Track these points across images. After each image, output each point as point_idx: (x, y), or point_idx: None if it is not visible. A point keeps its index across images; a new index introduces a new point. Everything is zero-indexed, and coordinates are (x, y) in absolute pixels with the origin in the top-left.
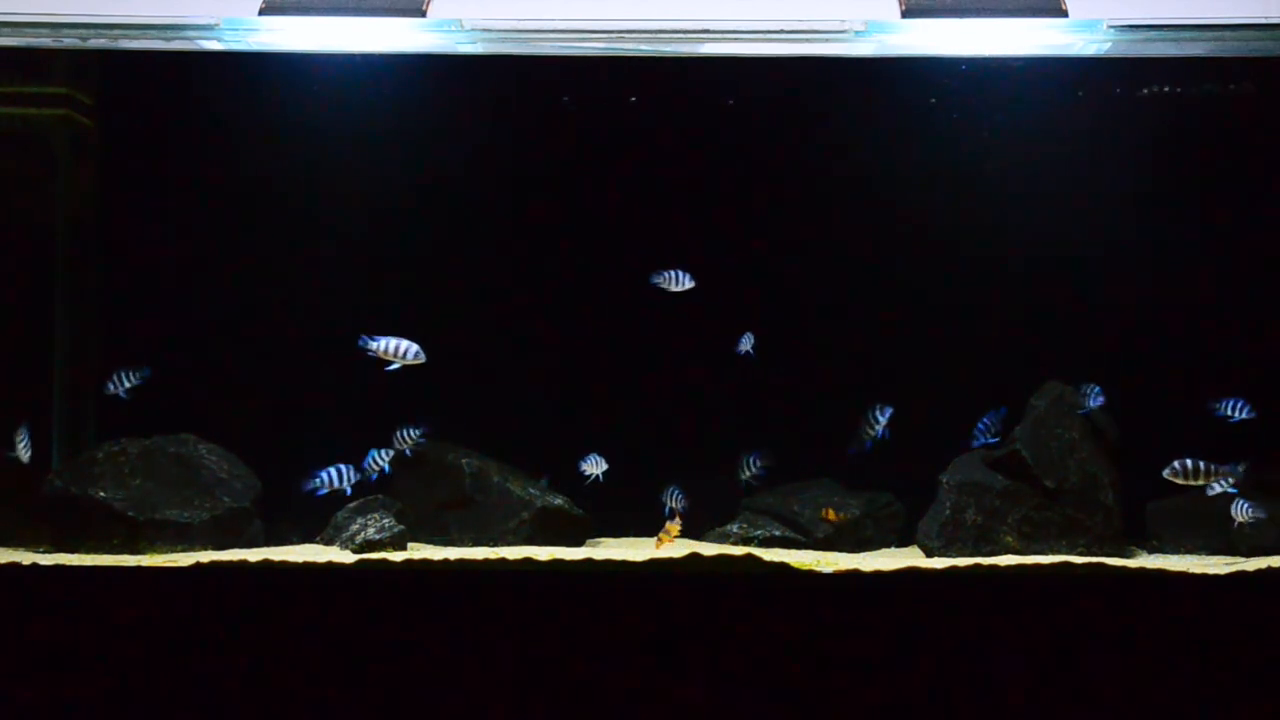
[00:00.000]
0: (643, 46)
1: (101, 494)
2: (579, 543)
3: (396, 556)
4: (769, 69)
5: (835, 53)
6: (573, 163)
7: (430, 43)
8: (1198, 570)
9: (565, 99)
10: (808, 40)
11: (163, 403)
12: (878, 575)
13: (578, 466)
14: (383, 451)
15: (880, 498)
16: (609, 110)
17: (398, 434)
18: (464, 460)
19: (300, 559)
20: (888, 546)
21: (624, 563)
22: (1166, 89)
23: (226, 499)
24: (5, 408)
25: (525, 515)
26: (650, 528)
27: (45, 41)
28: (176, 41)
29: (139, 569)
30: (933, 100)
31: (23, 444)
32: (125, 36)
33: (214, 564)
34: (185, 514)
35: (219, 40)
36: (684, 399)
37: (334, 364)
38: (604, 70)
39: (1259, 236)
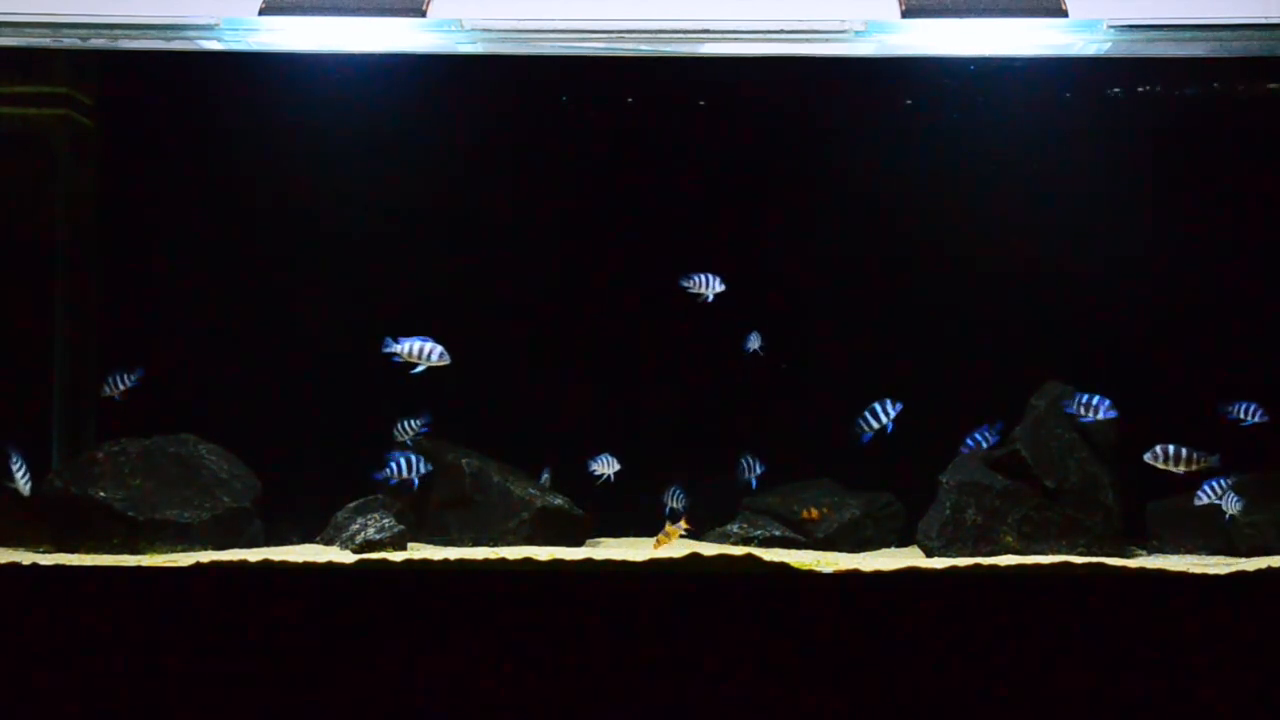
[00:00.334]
0: (643, 46)
1: (101, 494)
2: (579, 543)
3: (396, 556)
4: (769, 69)
5: (835, 53)
6: (572, 162)
7: (430, 43)
8: (1198, 570)
9: (564, 98)
10: (808, 40)
11: (163, 403)
12: (878, 575)
13: (588, 466)
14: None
15: (880, 498)
16: (608, 110)
17: (399, 426)
18: (464, 460)
19: (300, 559)
20: (888, 546)
21: (624, 563)
22: (1167, 89)
23: (226, 499)
24: (5, 408)
25: (525, 515)
26: (650, 528)
27: (45, 41)
28: (176, 41)
29: (139, 569)
30: (933, 101)
31: (21, 474)
32: (125, 36)
33: (214, 564)
34: (185, 514)
35: (219, 40)
36: (685, 399)
37: (334, 364)
38: (604, 70)
39: (1260, 237)
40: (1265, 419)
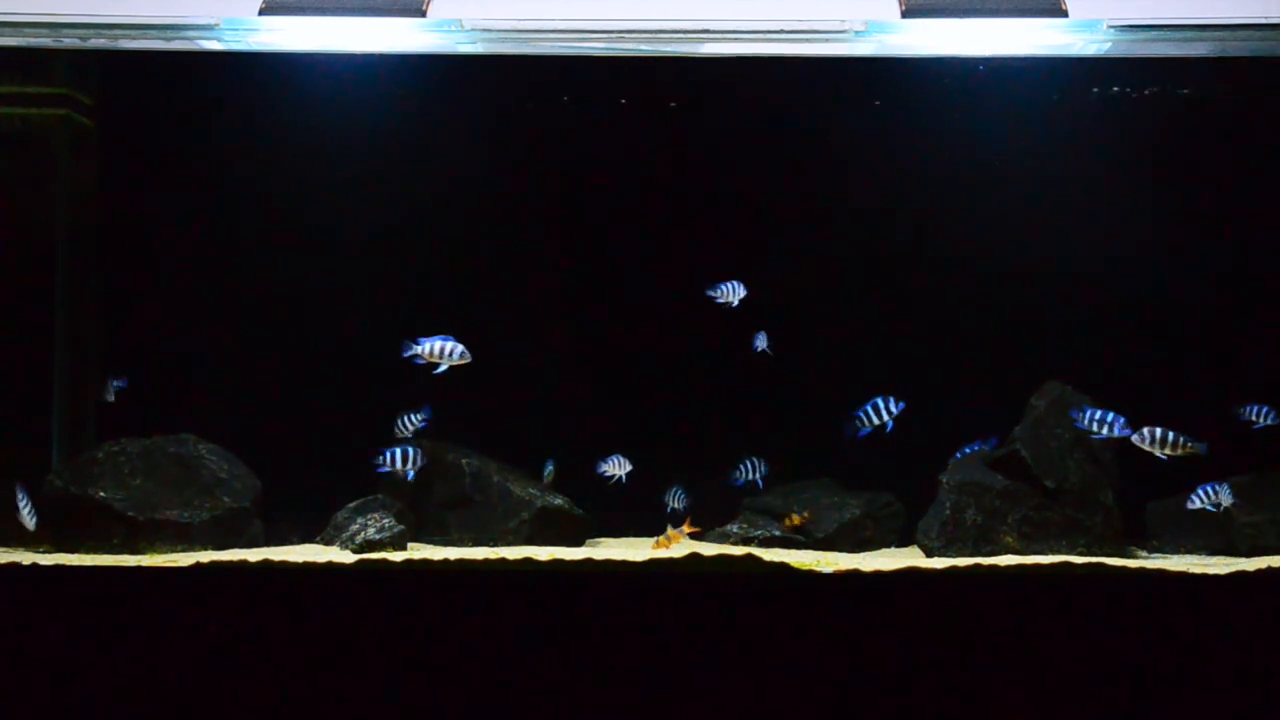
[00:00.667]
0: (643, 46)
1: (101, 494)
2: (579, 543)
3: (396, 556)
4: (769, 68)
5: (835, 53)
6: (574, 162)
7: (430, 43)
8: (1198, 570)
9: (565, 99)
10: (808, 40)
11: (163, 403)
12: (878, 575)
13: (598, 467)
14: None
15: (880, 498)
16: (607, 110)
17: (399, 420)
18: (464, 460)
19: (300, 559)
20: (888, 546)
21: (624, 563)
22: (1168, 89)
23: (226, 499)
24: (5, 408)
25: (525, 515)
26: (651, 528)
27: (45, 41)
28: (176, 41)
29: (139, 569)
30: (934, 101)
31: (26, 510)
32: (125, 36)
33: (214, 564)
34: (185, 514)
35: (219, 40)
36: (685, 399)
37: (334, 364)
38: (604, 70)
39: (1261, 237)
40: (1277, 422)
